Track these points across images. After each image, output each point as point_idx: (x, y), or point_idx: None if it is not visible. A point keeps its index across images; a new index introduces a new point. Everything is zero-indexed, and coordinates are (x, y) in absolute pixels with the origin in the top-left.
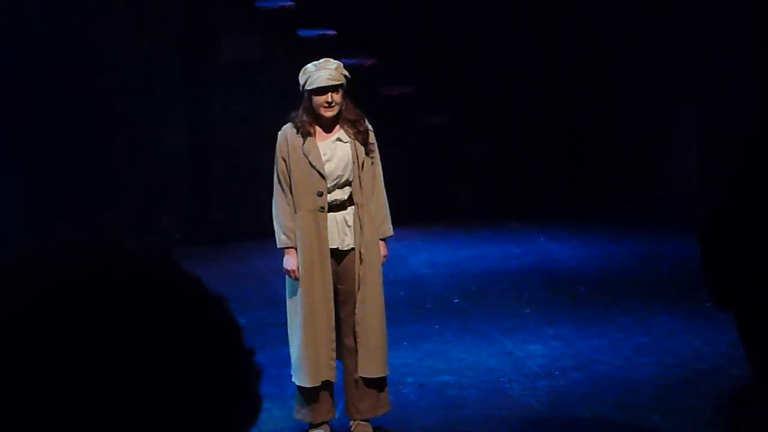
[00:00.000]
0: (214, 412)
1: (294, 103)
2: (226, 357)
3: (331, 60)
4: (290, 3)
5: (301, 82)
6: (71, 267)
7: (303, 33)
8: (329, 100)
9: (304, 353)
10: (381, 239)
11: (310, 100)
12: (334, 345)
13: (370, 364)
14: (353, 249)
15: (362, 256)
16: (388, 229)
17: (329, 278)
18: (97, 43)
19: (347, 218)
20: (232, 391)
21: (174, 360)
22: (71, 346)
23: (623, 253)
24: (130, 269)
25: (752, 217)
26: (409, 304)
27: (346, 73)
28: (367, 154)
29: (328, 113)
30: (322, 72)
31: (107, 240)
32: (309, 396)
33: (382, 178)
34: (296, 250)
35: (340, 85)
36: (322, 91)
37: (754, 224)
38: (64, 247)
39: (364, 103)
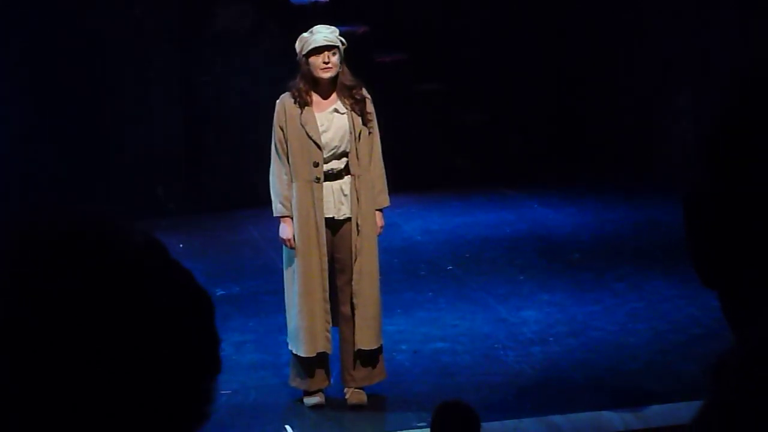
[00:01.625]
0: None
1: (287, 72)
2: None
3: (327, 25)
4: None
5: (298, 49)
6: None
7: (296, 1)
8: (326, 60)
9: (301, 323)
10: (377, 210)
11: (308, 64)
12: (330, 316)
13: (368, 335)
14: (349, 218)
15: (359, 227)
16: (385, 200)
17: (324, 248)
18: (88, 15)
19: (344, 187)
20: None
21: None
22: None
23: (617, 219)
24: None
25: (736, 190)
26: (403, 271)
27: (342, 39)
28: (364, 124)
29: (326, 74)
30: (318, 35)
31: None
32: (305, 364)
33: (379, 148)
34: (292, 219)
35: (337, 47)
36: (319, 51)
37: (739, 197)
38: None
39: (358, 71)
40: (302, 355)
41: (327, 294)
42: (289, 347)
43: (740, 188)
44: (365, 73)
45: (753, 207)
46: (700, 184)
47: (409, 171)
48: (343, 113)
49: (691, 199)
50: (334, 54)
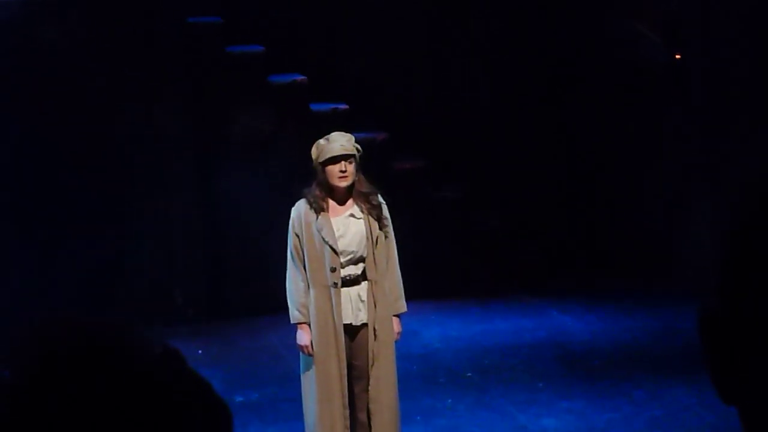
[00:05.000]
0: None
1: (306, 177)
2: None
3: (343, 132)
4: (302, 77)
5: (314, 157)
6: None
7: (315, 107)
8: (343, 169)
9: (321, 429)
10: (395, 315)
11: (324, 172)
12: (349, 422)
13: None
14: (366, 324)
15: (376, 333)
16: (402, 306)
17: (343, 354)
18: (108, 120)
19: (361, 293)
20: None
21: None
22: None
23: (636, 326)
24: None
25: (748, 311)
26: (422, 378)
27: (358, 147)
28: (380, 229)
29: (342, 183)
30: (334, 143)
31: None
32: None
33: (396, 253)
34: (309, 325)
35: (353, 156)
36: (335, 160)
37: (752, 318)
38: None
39: (377, 178)
40: None
41: (346, 400)
42: None
43: (754, 310)
44: (384, 180)
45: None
46: (716, 306)
47: (428, 277)
48: (359, 218)
49: (706, 321)
50: (350, 162)
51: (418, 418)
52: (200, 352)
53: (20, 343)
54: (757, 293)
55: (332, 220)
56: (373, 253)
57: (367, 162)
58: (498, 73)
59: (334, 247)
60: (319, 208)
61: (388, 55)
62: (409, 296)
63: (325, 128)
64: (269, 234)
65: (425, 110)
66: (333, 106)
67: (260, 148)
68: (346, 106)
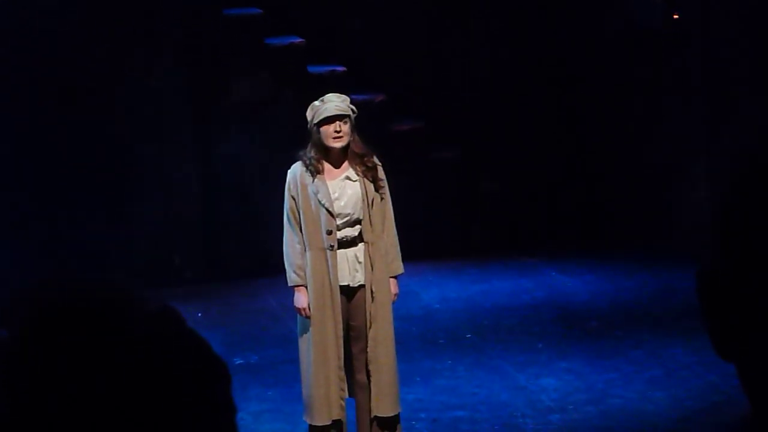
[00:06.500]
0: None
1: (304, 140)
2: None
3: (338, 93)
4: (300, 40)
5: (309, 118)
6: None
7: (313, 70)
8: (338, 129)
9: (315, 391)
10: (392, 277)
11: (319, 133)
12: (345, 384)
13: (384, 402)
14: (363, 285)
15: (373, 295)
16: (399, 267)
17: (340, 316)
18: (107, 85)
19: (358, 255)
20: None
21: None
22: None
23: (635, 286)
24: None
25: (746, 267)
26: (422, 339)
27: (353, 107)
28: (376, 190)
29: (337, 144)
30: (329, 104)
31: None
32: None
33: (392, 215)
34: (307, 288)
35: (348, 116)
36: (330, 120)
37: (750, 274)
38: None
39: (375, 139)
40: (317, 423)
41: (342, 362)
42: (304, 418)
43: (752, 266)
44: (382, 141)
45: (764, 283)
46: (714, 262)
47: (426, 239)
48: (355, 180)
49: (704, 277)
50: (345, 123)
51: (418, 379)
52: (200, 315)
53: (15, 303)
54: (755, 250)
55: (328, 182)
56: (369, 215)
57: (365, 124)
58: (497, 35)
59: (330, 209)
60: (314, 171)
61: (386, 16)
62: (408, 258)
63: (322, 90)
64: (267, 196)
65: (423, 72)
66: (331, 68)
67: (258, 111)
68: (344, 68)
